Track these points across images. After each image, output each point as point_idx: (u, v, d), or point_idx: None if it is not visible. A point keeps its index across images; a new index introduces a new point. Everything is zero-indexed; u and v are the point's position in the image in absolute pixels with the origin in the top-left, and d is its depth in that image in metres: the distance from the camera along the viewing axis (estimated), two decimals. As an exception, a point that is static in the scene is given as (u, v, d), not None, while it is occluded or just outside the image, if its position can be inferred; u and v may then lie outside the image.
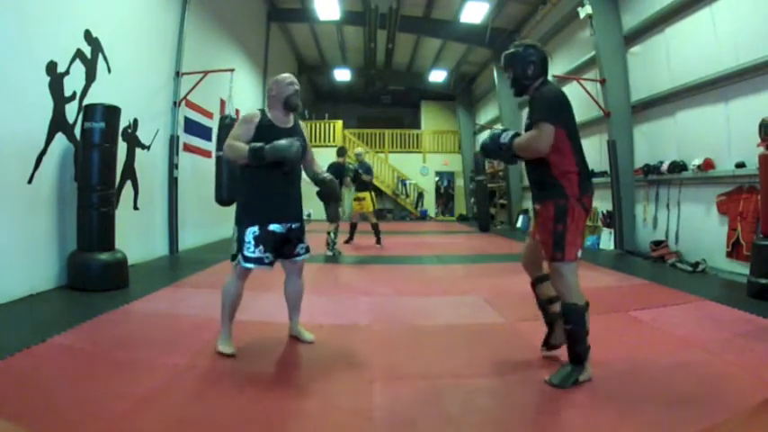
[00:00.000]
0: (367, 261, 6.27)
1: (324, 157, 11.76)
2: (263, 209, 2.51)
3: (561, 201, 2.20)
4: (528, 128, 2.24)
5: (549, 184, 2.24)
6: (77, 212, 4.09)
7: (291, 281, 2.75)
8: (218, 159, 6.18)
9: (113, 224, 4.24)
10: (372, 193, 7.55)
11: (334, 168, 6.70)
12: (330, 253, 6.45)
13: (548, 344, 2.50)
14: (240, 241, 2.49)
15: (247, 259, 2.48)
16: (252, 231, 2.47)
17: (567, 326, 2.23)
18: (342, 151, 7.15)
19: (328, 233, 6.54)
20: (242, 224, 2.52)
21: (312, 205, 7.91)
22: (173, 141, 6.29)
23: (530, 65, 2.25)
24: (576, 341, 2.21)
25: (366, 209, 7.39)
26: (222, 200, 6.20)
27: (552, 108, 2.16)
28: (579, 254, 2.27)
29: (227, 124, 6.22)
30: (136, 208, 5.48)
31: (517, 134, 2.28)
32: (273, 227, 2.51)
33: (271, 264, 2.53)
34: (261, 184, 2.52)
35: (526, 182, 11.39)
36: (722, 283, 4.79)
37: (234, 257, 2.54)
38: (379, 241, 7.54)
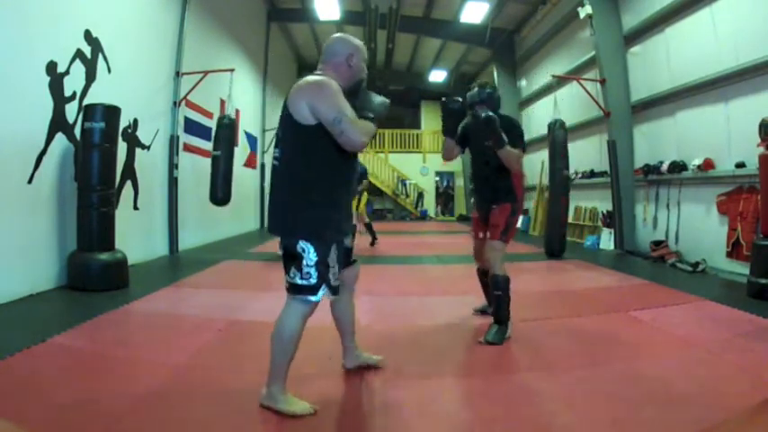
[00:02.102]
0: (367, 261, 6.27)
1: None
2: (340, 216, 1.90)
3: (515, 202, 2.99)
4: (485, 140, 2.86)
5: (508, 189, 2.98)
6: (77, 212, 4.09)
7: (345, 296, 2.16)
8: (214, 159, 6.20)
9: (113, 224, 4.24)
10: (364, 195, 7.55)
11: None
12: None
13: (484, 311, 3.33)
14: (324, 265, 1.82)
15: (334, 289, 1.88)
16: (334, 249, 1.87)
17: (497, 292, 2.88)
18: None
19: None
20: (322, 239, 1.82)
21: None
22: (173, 141, 6.30)
23: (499, 101, 3.04)
24: (502, 304, 2.87)
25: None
26: (217, 200, 6.21)
27: (523, 138, 2.96)
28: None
29: (225, 124, 6.24)
30: (136, 208, 5.48)
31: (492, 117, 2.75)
32: (346, 240, 2.03)
33: None
34: (340, 179, 1.90)
35: (526, 183, 11.44)
36: (722, 283, 4.79)
37: (311, 290, 1.82)
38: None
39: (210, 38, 7.75)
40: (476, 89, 2.98)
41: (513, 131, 2.84)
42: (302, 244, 1.80)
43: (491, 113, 2.76)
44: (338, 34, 2.03)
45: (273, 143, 2.05)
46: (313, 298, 1.83)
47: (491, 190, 3.00)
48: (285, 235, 1.86)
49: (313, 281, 1.80)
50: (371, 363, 2.34)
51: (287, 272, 1.84)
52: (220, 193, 6.19)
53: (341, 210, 1.90)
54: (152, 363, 2.37)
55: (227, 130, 6.27)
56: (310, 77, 1.86)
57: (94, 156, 4.09)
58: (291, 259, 1.82)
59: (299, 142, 1.82)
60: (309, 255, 1.79)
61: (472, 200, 3.50)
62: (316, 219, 1.81)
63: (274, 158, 1.90)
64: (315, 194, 1.81)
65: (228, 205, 6.56)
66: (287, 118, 1.83)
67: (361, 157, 9.96)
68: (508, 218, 2.92)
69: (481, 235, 3.11)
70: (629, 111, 7.04)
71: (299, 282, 1.81)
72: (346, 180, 1.93)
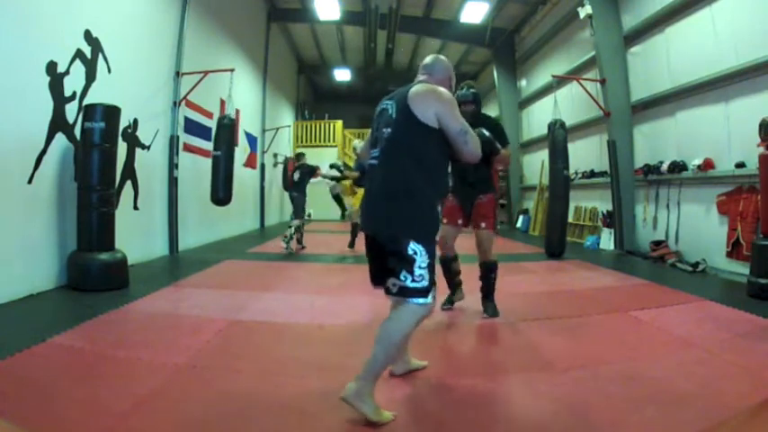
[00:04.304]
0: (366, 261, 6.26)
1: (324, 157, 11.78)
2: (438, 217, 1.94)
3: (496, 193, 3.39)
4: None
5: (491, 183, 3.34)
6: (77, 212, 4.09)
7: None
8: (215, 159, 6.21)
9: (113, 224, 4.24)
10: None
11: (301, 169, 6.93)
12: (284, 246, 6.59)
13: (451, 301, 3.56)
14: (432, 267, 1.83)
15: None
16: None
17: (492, 274, 3.35)
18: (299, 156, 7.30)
19: (290, 227, 6.72)
20: (431, 241, 1.85)
21: (314, 205, 7.86)
22: (173, 141, 6.29)
23: (481, 101, 3.37)
24: (494, 284, 3.39)
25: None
26: (218, 200, 6.22)
27: (505, 133, 3.18)
28: None
29: (225, 124, 6.25)
30: (136, 208, 5.48)
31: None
32: None
33: None
34: (444, 184, 1.99)
35: (526, 182, 11.47)
36: (722, 283, 4.80)
37: (424, 292, 1.80)
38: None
39: (210, 38, 7.75)
40: (464, 89, 3.18)
41: (497, 129, 2.96)
42: (414, 246, 1.78)
43: (486, 133, 2.55)
44: (440, 55, 2.18)
45: (370, 143, 2.04)
46: (425, 300, 1.81)
47: (477, 181, 3.25)
48: (395, 236, 1.81)
49: (425, 283, 1.79)
50: (419, 367, 2.32)
51: (395, 275, 1.81)
52: (221, 193, 6.20)
53: (437, 212, 1.94)
54: (152, 363, 2.37)
55: (227, 130, 6.28)
56: (434, 86, 1.92)
57: (94, 156, 4.09)
58: (402, 261, 1.79)
59: (417, 143, 1.84)
60: (422, 257, 1.79)
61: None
62: (426, 220, 1.84)
63: (373, 158, 1.92)
64: (425, 196, 1.84)
65: (228, 205, 6.57)
66: (408, 119, 1.84)
67: (361, 157, 9.74)
68: (494, 209, 3.32)
69: (460, 221, 3.35)
70: (629, 111, 7.04)
71: (411, 285, 1.79)
72: (445, 185, 2.01)
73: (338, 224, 11.69)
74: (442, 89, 1.92)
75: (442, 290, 3.55)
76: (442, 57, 2.16)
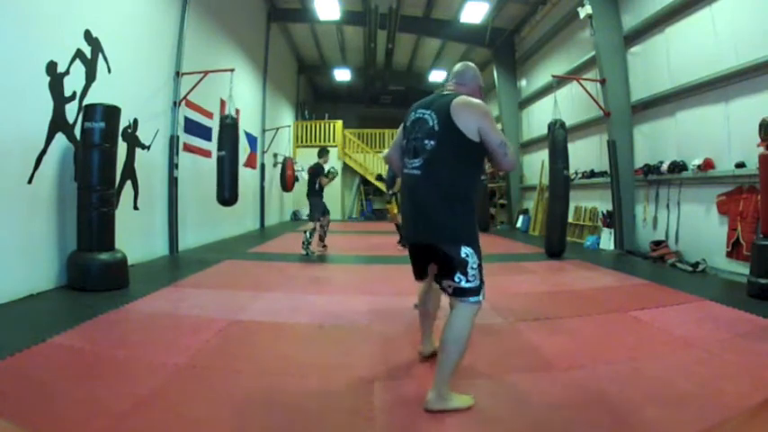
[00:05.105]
0: (367, 261, 6.28)
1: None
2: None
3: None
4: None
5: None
6: (77, 212, 4.09)
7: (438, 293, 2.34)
8: (220, 159, 6.19)
9: (113, 224, 4.24)
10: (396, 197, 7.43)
11: (312, 169, 6.81)
12: (304, 252, 6.48)
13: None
14: (481, 267, 1.96)
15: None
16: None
17: None
18: (322, 152, 7.06)
19: (306, 232, 6.59)
20: (478, 244, 1.97)
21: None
22: (173, 141, 6.30)
23: None
24: None
25: (391, 211, 7.39)
26: (225, 200, 6.21)
27: None
28: None
29: (228, 124, 6.25)
30: (136, 208, 5.48)
31: None
32: None
33: None
34: (477, 190, 2.15)
35: (526, 182, 11.47)
36: (722, 283, 4.80)
37: (476, 291, 1.93)
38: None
39: (210, 38, 7.75)
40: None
41: None
42: (465, 249, 1.91)
43: None
44: (469, 63, 2.23)
45: (407, 152, 2.08)
46: (477, 298, 1.94)
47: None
48: (448, 242, 1.92)
49: (477, 282, 1.93)
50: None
51: (449, 277, 1.92)
52: (227, 193, 6.19)
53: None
54: (152, 363, 2.37)
55: (230, 130, 6.27)
56: (474, 100, 1.99)
57: (94, 156, 4.09)
58: (456, 265, 1.90)
59: (461, 155, 1.94)
60: (473, 258, 1.92)
61: None
62: (473, 225, 1.99)
63: (414, 168, 2.00)
64: (469, 203, 1.99)
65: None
66: (452, 132, 1.92)
67: (362, 157, 10.06)
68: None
69: None
70: (629, 111, 7.03)
71: (465, 285, 1.91)
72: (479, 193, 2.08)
73: (338, 224, 11.70)
74: (479, 102, 2.00)
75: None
76: (472, 64, 2.22)
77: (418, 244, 2.08)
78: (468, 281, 1.90)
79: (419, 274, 2.22)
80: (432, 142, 1.95)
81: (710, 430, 1.57)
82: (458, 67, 2.20)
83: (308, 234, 6.51)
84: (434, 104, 2.01)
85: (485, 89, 2.81)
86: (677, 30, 5.98)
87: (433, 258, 2.00)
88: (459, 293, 1.92)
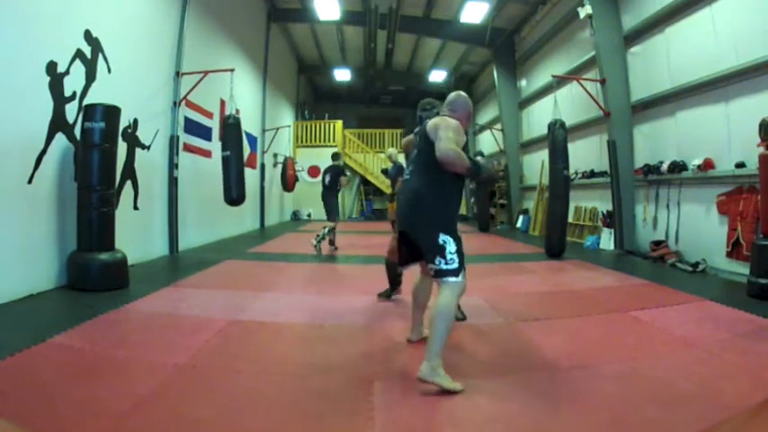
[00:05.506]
0: (367, 261, 6.27)
1: (324, 157, 11.74)
2: (456, 216, 2.46)
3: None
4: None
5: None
6: (77, 212, 4.09)
7: (427, 279, 2.67)
8: (225, 159, 6.19)
9: (113, 224, 4.24)
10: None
11: (333, 171, 6.92)
12: (314, 243, 6.59)
13: (388, 295, 3.92)
14: (460, 253, 2.26)
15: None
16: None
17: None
18: (337, 156, 7.22)
19: (325, 228, 6.72)
20: (456, 233, 2.29)
21: (314, 205, 7.84)
22: (173, 141, 6.29)
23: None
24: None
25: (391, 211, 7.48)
26: (232, 199, 6.22)
27: None
28: None
29: (231, 124, 6.25)
30: (136, 208, 5.48)
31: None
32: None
33: None
34: (457, 191, 2.44)
35: (526, 182, 11.47)
36: (722, 283, 4.80)
37: (455, 272, 2.22)
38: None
39: (210, 38, 7.75)
40: (431, 108, 2.90)
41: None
42: (443, 237, 2.23)
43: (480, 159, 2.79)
44: (461, 92, 2.60)
45: (408, 163, 2.60)
46: (457, 279, 2.23)
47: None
48: (427, 230, 2.27)
49: (455, 265, 2.23)
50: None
51: (431, 261, 2.25)
52: (235, 192, 6.20)
53: (456, 211, 2.46)
54: (152, 363, 2.37)
55: (234, 130, 6.27)
56: (445, 119, 2.37)
57: (94, 156, 4.09)
58: (435, 250, 2.23)
59: (433, 162, 2.28)
60: (450, 245, 2.23)
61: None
62: (450, 217, 2.35)
63: (407, 174, 2.46)
64: (443, 200, 2.33)
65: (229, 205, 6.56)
66: (427, 144, 2.32)
67: (362, 157, 10.11)
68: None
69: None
70: (629, 111, 7.03)
71: (445, 267, 2.22)
72: (459, 192, 2.45)
73: (338, 224, 11.68)
74: (445, 118, 2.36)
75: (384, 284, 3.96)
76: (463, 93, 2.58)
77: (405, 232, 2.44)
78: (446, 263, 2.21)
79: (402, 259, 2.54)
80: (415, 152, 2.47)
81: (710, 430, 1.57)
82: (451, 96, 2.56)
83: (326, 230, 6.61)
84: (423, 125, 2.45)
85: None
86: (677, 30, 5.98)
87: (419, 244, 2.34)
88: (441, 274, 2.23)
